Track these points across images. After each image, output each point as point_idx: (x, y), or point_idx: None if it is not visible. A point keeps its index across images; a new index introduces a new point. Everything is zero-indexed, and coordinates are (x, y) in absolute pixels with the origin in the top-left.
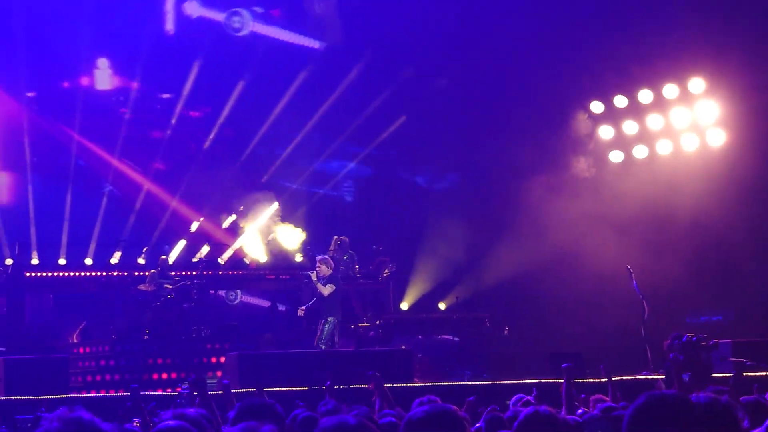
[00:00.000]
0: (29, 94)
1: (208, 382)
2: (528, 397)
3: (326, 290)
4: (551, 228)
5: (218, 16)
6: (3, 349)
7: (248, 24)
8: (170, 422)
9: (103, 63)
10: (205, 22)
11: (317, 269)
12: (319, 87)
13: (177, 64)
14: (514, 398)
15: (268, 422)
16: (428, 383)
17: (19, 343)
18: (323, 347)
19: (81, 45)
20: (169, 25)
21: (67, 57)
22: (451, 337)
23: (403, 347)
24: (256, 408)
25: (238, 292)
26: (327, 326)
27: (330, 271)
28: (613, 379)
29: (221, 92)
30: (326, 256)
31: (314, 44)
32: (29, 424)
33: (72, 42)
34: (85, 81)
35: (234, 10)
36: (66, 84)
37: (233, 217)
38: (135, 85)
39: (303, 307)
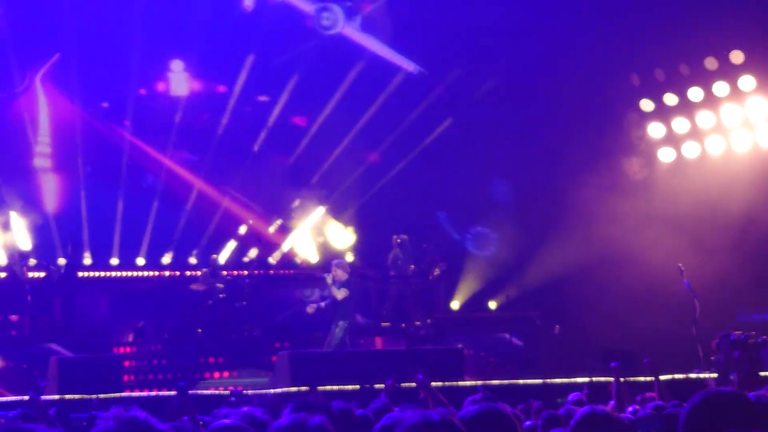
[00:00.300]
0: (104, 105)
1: (260, 380)
2: (582, 396)
3: (340, 294)
4: (601, 226)
5: (307, 6)
6: (58, 347)
7: (339, 22)
8: (225, 421)
9: (177, 66)
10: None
11: (333, 273)
12: (369, 85)
13: (237, 61)
14: (571, 396)
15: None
16: (479, 381)
17: (72, 343)
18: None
19: (154, 48)
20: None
21: (139, 61)
22: (509, 336)
23: (460, 345)
24: (309, 406)
25: (316, 290)
26: (338, 330)
27: (346, 276)
28: (664, 377)
29: (275, 85)
30: (342, 261)
31: (410, 66)
32: (84, 423)
33: (144, 45)
34: (161, 87)
35: (324, 5)
36: (143, 91)
37: (279, 221)
38: (221, 88)
39: (313, 305)
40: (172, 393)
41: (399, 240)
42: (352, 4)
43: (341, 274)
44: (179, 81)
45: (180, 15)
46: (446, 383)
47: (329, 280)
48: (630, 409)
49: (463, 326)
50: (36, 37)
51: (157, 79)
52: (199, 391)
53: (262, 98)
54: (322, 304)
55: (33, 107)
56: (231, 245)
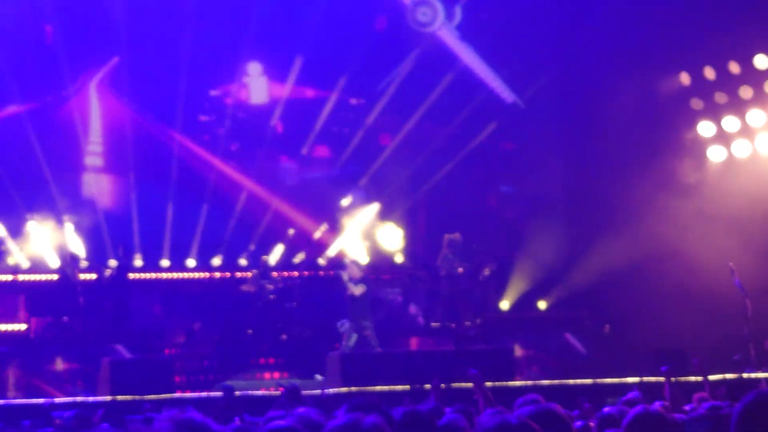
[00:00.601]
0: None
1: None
2: (634, 396)
3: (358, 290)
4: (651, 225)
5: None
6: (122, 348)
7: (438, 20)
8: (280, 422)
9: (254, 68)
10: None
11: (348, 270)
12: (420, 86)
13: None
14: (628, 395)
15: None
16: (529, 382)
17: (124, 344)
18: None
19: (232, 49)
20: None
21: (217, 63)
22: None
23: (517, 346)
24: (364, 406)
25: (397, 290)
26: (361, 328)
27: (361, 274)
28: (716, 377)
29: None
30: (356, 259)
31: (509, 97)
32: (139, 425)
33: (222, 46)
34: (238, 93)
35: None
36: (214, 92)
37: (325, 226)
38: (310, 92)
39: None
40: (219, 394)
41: (450, 239)
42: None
43: (356, 272)
44: (258, 87)
45: (253, 15)
46: (496, 383)
47: (345, 277)
48: (687, 407)
49: (512, 326)
50: (89, 39)
51: (225, 82)
52: (250, 392)
53: (354, 101)
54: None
55: (85, 109)
56: (281, 247)
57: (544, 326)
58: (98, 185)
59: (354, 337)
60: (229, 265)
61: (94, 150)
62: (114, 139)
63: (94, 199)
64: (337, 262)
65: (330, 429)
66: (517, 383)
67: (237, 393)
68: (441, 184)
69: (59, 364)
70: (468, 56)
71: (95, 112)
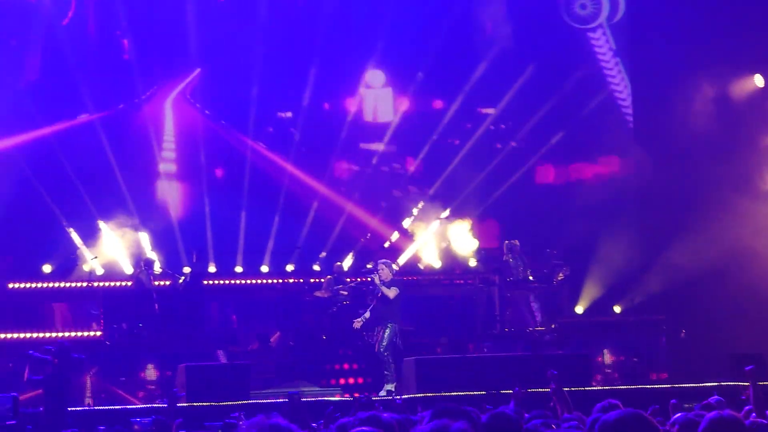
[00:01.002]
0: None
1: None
2: (713, 401)
3: (391, 292)
4: (730, 228)
5: None
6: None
7: (601, 16)
8: (363, 428)
9: (376, 78)
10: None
11: (379, 272)
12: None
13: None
14: (708, 400)
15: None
16: (606, 387)
17: (200, 351)
18: (387, 354)
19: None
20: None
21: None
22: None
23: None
24: (449, 411)
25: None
26: (388, 332)
27: (392, 276)
28: None
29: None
30: (389, 261)
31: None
32: (219, 431)
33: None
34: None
35: None
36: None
37: (396, 235)
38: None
39: (359, 319)
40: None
41: (509, 245)
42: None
43: (387, 274)
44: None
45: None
46: (573, 389)
47: (377, 279)
48: None
49: (588, 331)
50: (164, 50)
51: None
52: (325, 398)
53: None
54: (366, 315)
55: (159, 116)
56: (354, 252)
57: (620, 331)
58: (171, 192)
59: (387, 335)
60: (303, 271)
61: (167, 157)
62: (187, 145)
63: (167, 205)
64: (410, 267)
65: None
66: (595, 388)
67: (303, 399)
68: (516, 187)
69: (141, 371)
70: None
71: (169, 118)
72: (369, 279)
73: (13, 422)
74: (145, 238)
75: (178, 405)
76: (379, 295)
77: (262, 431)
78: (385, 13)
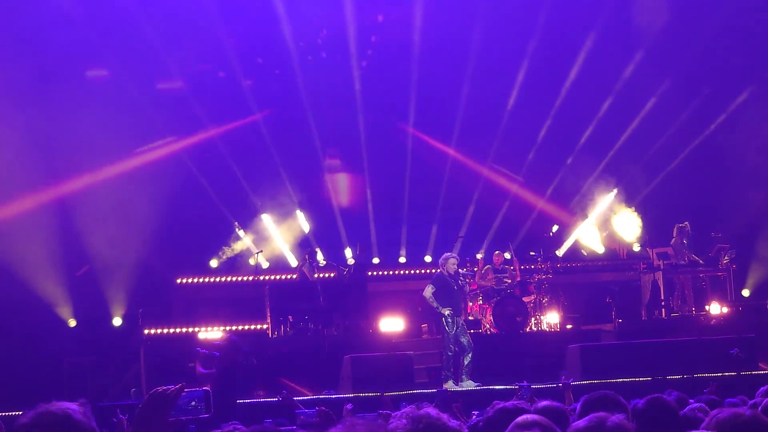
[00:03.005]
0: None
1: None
2: None
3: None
4: None
5: None
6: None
7: None
8: (528, 416)
9: None
10: None
11: (447, 266)
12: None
13: None
14: None
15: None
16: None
17: (363, 342)
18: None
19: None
20: None
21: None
22: None
23: None
24: (601, 400)
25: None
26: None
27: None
28: None
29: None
30: (451, 254)
31: None
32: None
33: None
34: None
35: None
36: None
37: (556, 227)
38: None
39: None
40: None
41: (679, 228)
42: None
43: (452, 267)
44: None
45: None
46: (741, 372)
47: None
48: None
49: (754, 314)
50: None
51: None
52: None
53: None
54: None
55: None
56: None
57: None
58: (336, 184)
59: (455, 326)
60: (465, 260)
61: (331, 151)
62: (348, 137)
63: (332, 198)
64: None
65: (573, 429)
66: (762, 372)
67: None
68: (680, 169)
69: (306, 364)
70: None
71: None
72: (532, 267)
73: (207, 416)
74: (307, 230)
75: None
76: (456, 287)
77: (414, 421)
78: None
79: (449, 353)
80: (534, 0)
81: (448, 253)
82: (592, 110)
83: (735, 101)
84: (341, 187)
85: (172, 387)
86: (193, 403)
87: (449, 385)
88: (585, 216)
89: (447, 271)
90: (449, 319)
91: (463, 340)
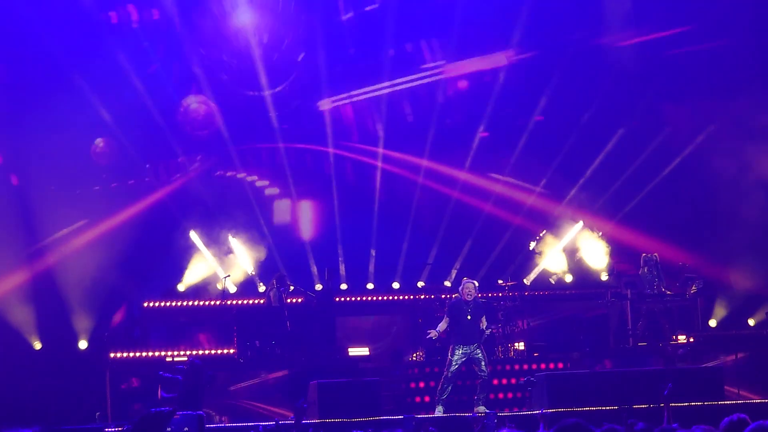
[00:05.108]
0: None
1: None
2: None
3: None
4: None
5: None
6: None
7: None
8: None
9: None
10: None
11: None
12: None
13: None
14: None
15: None
16: (739, 401)
17: (332, 367)
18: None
19: None
20: None
21: None
22: None
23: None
24: (572, 428)
25: None
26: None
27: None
28: None
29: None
30: (470, 281)
31: None
32: None
33: None
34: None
35: None
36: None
37: (533, 243)
38: None
39: (435, 331)
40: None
41: (646, 258)
42: None
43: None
44: None
45: None
46: (705, 402)
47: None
48: None
49: (722, 344)
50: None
51: None
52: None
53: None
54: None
55: None
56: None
57: (755, 344)
58: (289, 212)
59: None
60: (434, 287)
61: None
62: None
63: (297, 224)
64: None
65: None
66: (728, 402)
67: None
68: (648, 199)
69: (272, 387)
70: None
71: None
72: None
73: None
74: (259, 256)
75: (303, 420)
76: (470, 315)
77: None
78: None
79: (444, 379)
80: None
81: (469, 279)
82: (562, 138)
83: (702, 134)
84: (308, 214)
85: (165, 409)
86: (186, 429)
87: (438, 410)
88: (554, 242)
89: (464, 298)
90: (453, 347)
91: (477, 368)
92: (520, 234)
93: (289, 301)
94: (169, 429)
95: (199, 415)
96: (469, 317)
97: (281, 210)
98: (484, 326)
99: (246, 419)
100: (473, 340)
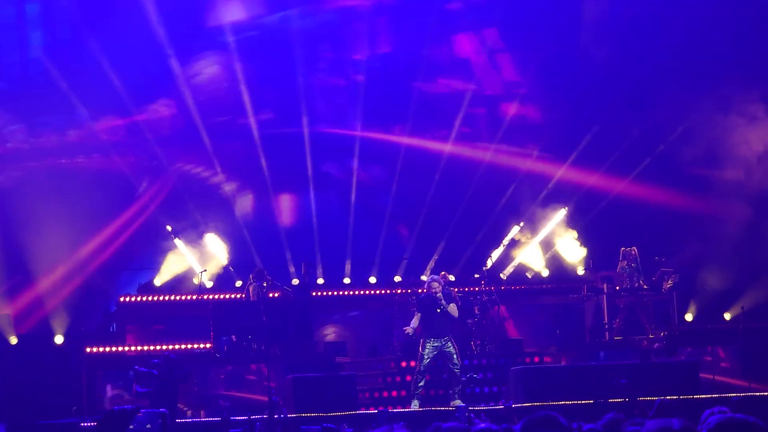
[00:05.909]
0: None
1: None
2: None
3: (452, 308)
4: None
5: None
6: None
7: None
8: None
9: None
10: None
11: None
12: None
13: None
14: None
15: None
16: (715, 395)
17: (307, 362)
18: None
19: None
20: None
21: None
22: None
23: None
24: (541, 421)
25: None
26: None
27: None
28: None
29: None
30: (436, 276)
31: None
32: None
33: None
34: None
35: None
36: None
37: (516, 229)
38: None
39: (411, 327)
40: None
41: (625, 252)
42: None
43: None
44: None
45: None
46: (681, 396)
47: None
48: None
49: (698, 338)
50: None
51: None
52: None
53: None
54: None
55: None
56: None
57: (731, 338)
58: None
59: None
60: (410, 281)
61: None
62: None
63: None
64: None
65: None
66: (704, 396)
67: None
68: (624, 195)
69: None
70: None
71: None
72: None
73: None
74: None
75: (278, 415)
76: (442, 309)
77: None
78: None
79: (416, 373)
80: None
81: (433, 276)
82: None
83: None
84: (286, 207)
85: (129, 407)
86: (148, 426)
87: (414, 404)
88: (531, 236)
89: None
90: (423, 341)
91: (449, 362)
92: (498, 228)
93: (270, 295)
94: (131, 427)
95: (163, 413)
96: (439, 310)
97: (243, 205)
98: (455, 312)
99: (220, 413)
100: (443, 333)
